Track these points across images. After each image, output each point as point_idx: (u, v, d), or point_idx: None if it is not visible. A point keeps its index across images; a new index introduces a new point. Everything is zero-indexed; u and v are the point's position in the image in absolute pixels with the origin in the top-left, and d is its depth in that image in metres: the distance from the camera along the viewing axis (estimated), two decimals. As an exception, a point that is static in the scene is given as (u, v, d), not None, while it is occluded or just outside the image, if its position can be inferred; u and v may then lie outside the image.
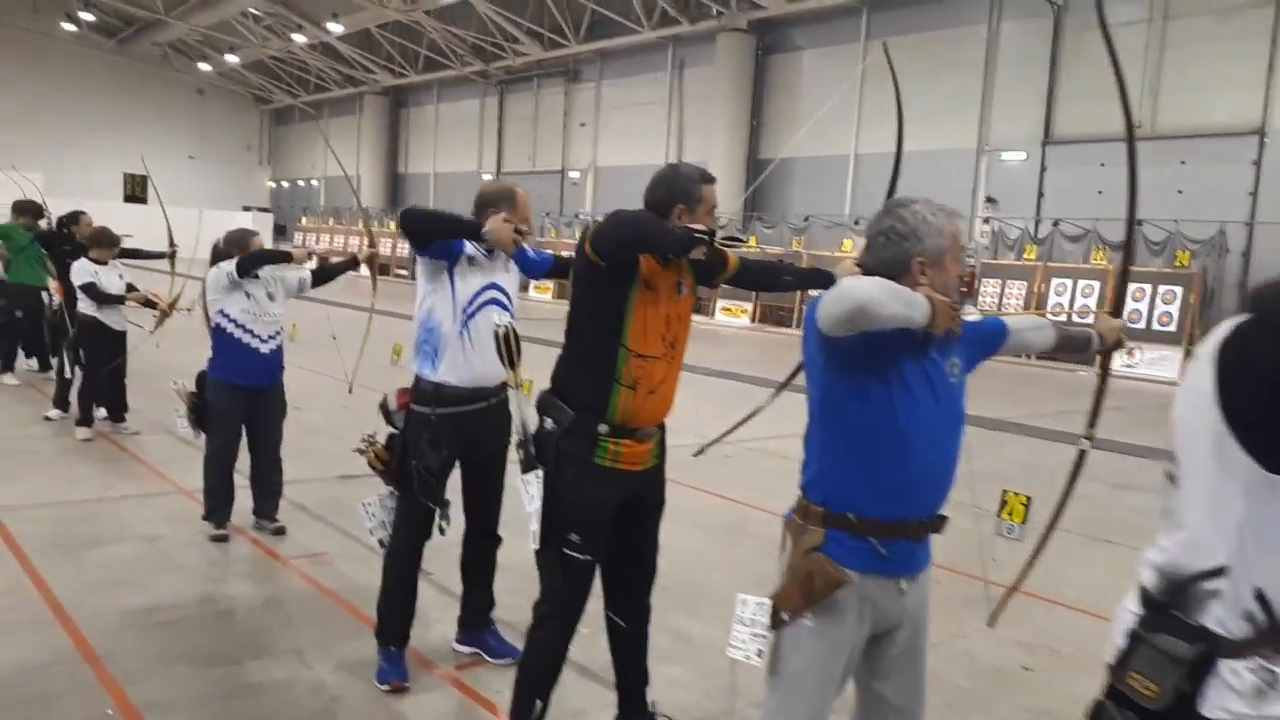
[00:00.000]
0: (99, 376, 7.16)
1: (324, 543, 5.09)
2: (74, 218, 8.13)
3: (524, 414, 2.99)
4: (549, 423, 2.86)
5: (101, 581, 4.31)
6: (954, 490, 2.30)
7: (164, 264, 7.96)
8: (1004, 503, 6.56)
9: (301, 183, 49.09)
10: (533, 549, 2.87)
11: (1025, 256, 19.90)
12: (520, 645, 3.06)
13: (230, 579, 4.51)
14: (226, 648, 3.74)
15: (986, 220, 21.08)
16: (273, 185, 50.99)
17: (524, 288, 31.95)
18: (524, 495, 2.84)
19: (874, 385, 2.12)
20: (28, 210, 9.12)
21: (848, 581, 2.10)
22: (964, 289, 20.49)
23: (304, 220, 44.08)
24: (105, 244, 7.16)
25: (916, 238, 2.19)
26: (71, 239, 8.06)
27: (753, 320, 24.07)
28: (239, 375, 4.98)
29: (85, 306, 7.07)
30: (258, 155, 51.03)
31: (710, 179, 2.86)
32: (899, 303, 1.98)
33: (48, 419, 7.66)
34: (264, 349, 5.03)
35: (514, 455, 3.07)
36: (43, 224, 9.18)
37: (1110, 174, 19.94)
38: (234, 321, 4.96)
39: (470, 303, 3.50)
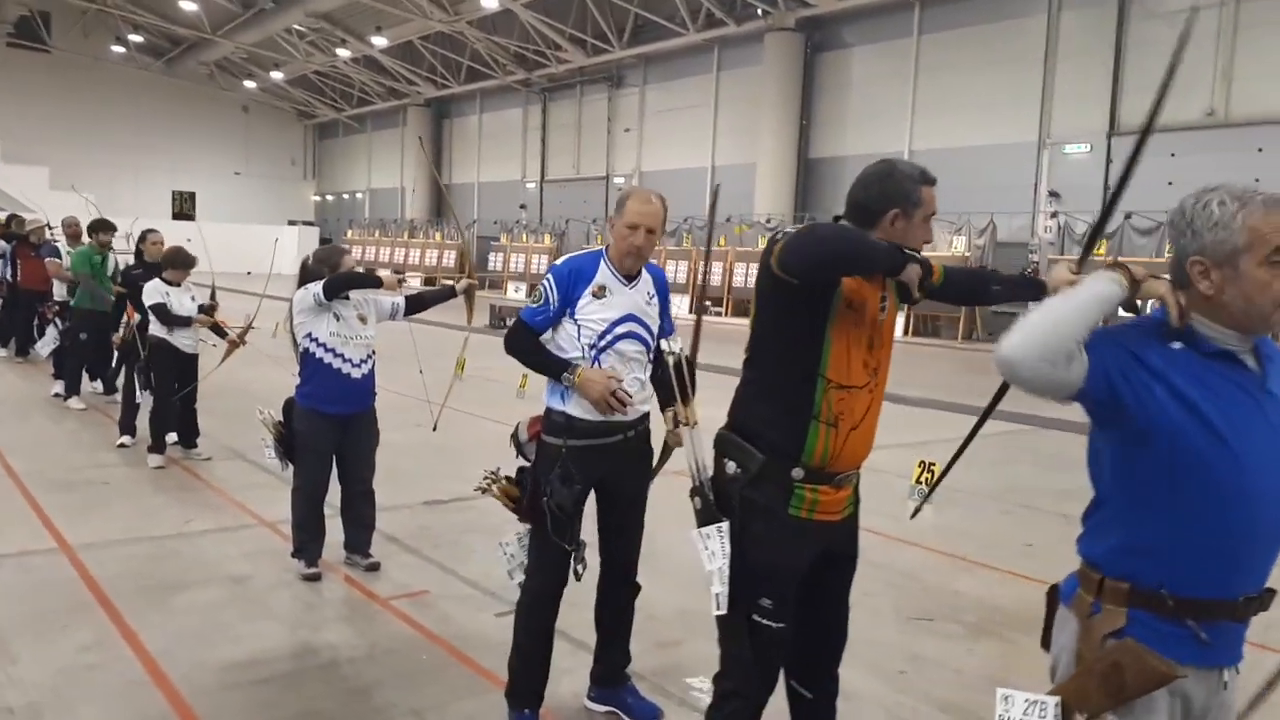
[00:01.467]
0: (170, 401, 6.91)
1: (422, 579, 4.74)
2: (142, 236, 7.91)
3: (699, 455, 2.58)
4: (731, 466, 2.46)
5: (192, 631, 3.99)
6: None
7: (241, 283, 7.72)
8: None
9: (346, 196, 49.35)
10: (714, 614, 2.47)
11: (1096, 252, 19.15)
12: (659, 702, 2.68)
13: (328, 624, 4.17)
14: (336, 709, 3.39)
15: (1054, 215, 20.38)
16: (318, 199, 51.32)
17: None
18: (702, 553, 2.44)
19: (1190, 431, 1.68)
20: (105, 228, 8.98)
21: (1177, 675, 1.66)
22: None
23: (350, 233, 44.25)
24: (180, 264, 6.90)
25: (1194, 232, 1.74)
26: (141, 258, 7.85)
27: (905, 333, 23.11)
28: (329, 402, 4.65)
29: (156, 328, 6.82)
30: (302, 170, 51.37)
31: (931, 179, 2.42)
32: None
33: (121, 446, 7.42)
34: (355, 374, 4.70)
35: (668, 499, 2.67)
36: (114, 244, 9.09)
37: (1182, 164, 19.15)
38: (322, 345, 4.63)
39: (602, 336, 3.17)
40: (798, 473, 2.40)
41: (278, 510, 5.69)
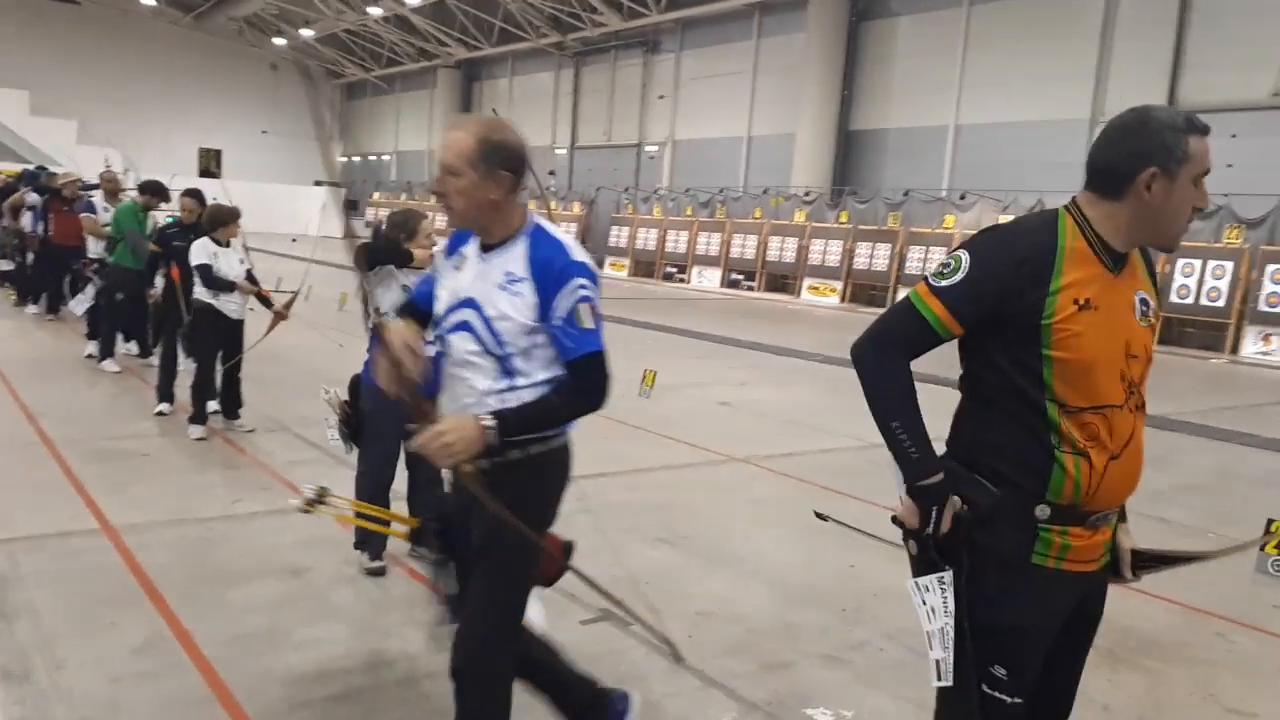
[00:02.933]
0: (212, 369, 6.53)
1: (493, 578, 4.35)
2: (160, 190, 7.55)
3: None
4: (955, 503, 2.02)
5: (251, 634, 3.61)
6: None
7: (290, 247, 7.32)
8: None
9: (373, 157, 48.88)
10: (934, 685, 2.03)
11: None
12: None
13: (400, 629, 3.79)
14: (423, 734, 3.01)
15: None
16: (344, 160, 50.87)
17: (598, 264, 31.22)
18: (919, 609, 2.00)
19: None
20: (157, 191, 8.59)
21: None
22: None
23: (376, 195, 43.83)
24: (225, 219, 6.48)
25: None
26: (179, 220, 7.45)
27: (842, 300, 22.96)
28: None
29: (201, 291, 6.43)
30: (329, 130, 50.85)
31: (1201, 128, 1.93)
32: None
33: (160, 414, 7.05)
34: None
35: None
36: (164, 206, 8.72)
37: (1244, 146, 18.41)
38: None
39: (439, 324, 2.52)
40: (1043, 511, 1.96)
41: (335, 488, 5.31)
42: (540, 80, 38.71)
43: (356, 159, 50.18)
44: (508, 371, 2.36)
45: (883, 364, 2.08)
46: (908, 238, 22.10)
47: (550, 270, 2.30)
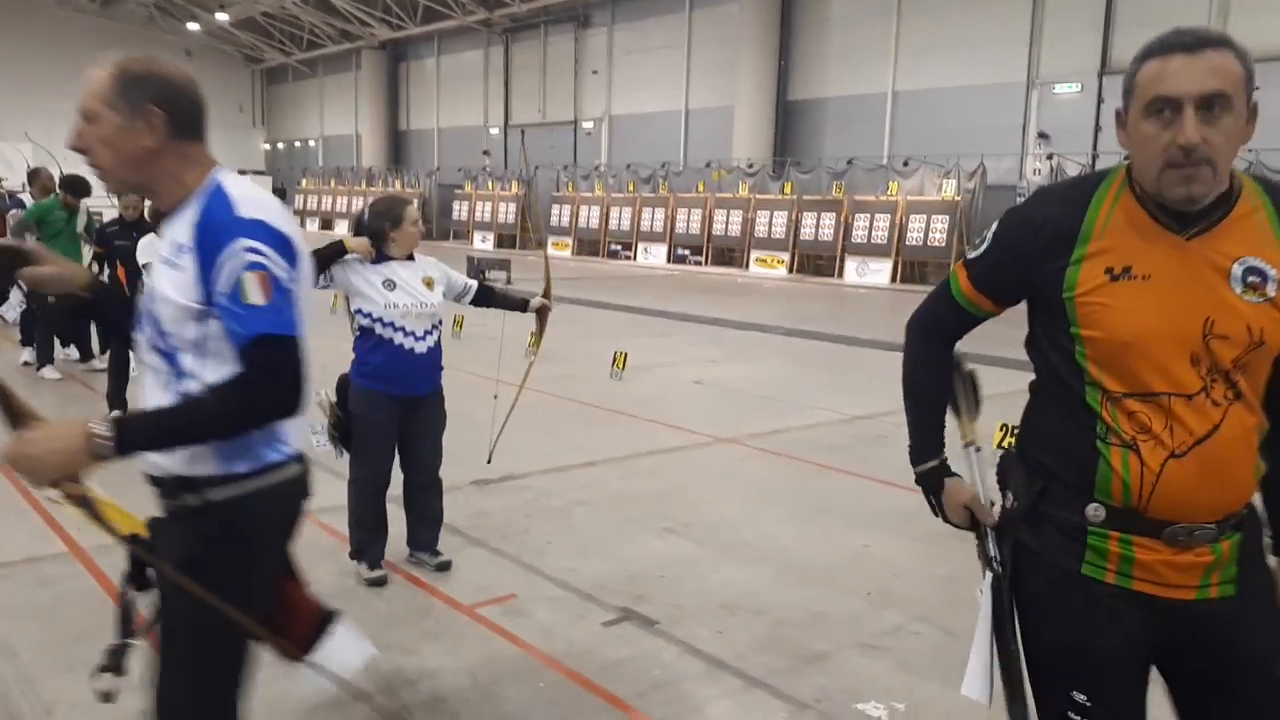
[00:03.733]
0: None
1: (502, 580, 4.13)
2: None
3: (979, 475, 1.94)
4: (1008, 498, 1.81)
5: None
6: None
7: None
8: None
9: (298, 143, 47.55)
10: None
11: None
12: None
13: (416, 644, 3.55)
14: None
15: (1049, 156, 19.95)
16: (268, 147, 49.43)
17: (539, 245, 30.76)
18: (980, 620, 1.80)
19: None
20: (75, 187, 8.03)
21: None
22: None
23: (304, 182, 42.66)
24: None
25: None
26: (121, 216, 7.00)
27: (790, 270, 22.98)
28: (390, 382, 3.97)
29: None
30: (251, 117, 49.36)
31: (1178, 45, 1.56)
32: None
33: (111, 423, 6.64)
34: (418, 348, 4.02)
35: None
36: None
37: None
38: (376, 319, 3.94)
39: None
40: (1095, 512, 1.67)
41: (320, 501, 5.02)
42: (469, 59, 37.95)
43: (281, 145, 48.77)
44: (177, 373, 1.83)
45: (910, 345, 1.99)
46: (853, 206, 22.15)
47: (210, 231, 1.74)
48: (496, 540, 4.55)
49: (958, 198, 20.43)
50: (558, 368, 9.32)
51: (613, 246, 28.18)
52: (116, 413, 6.71)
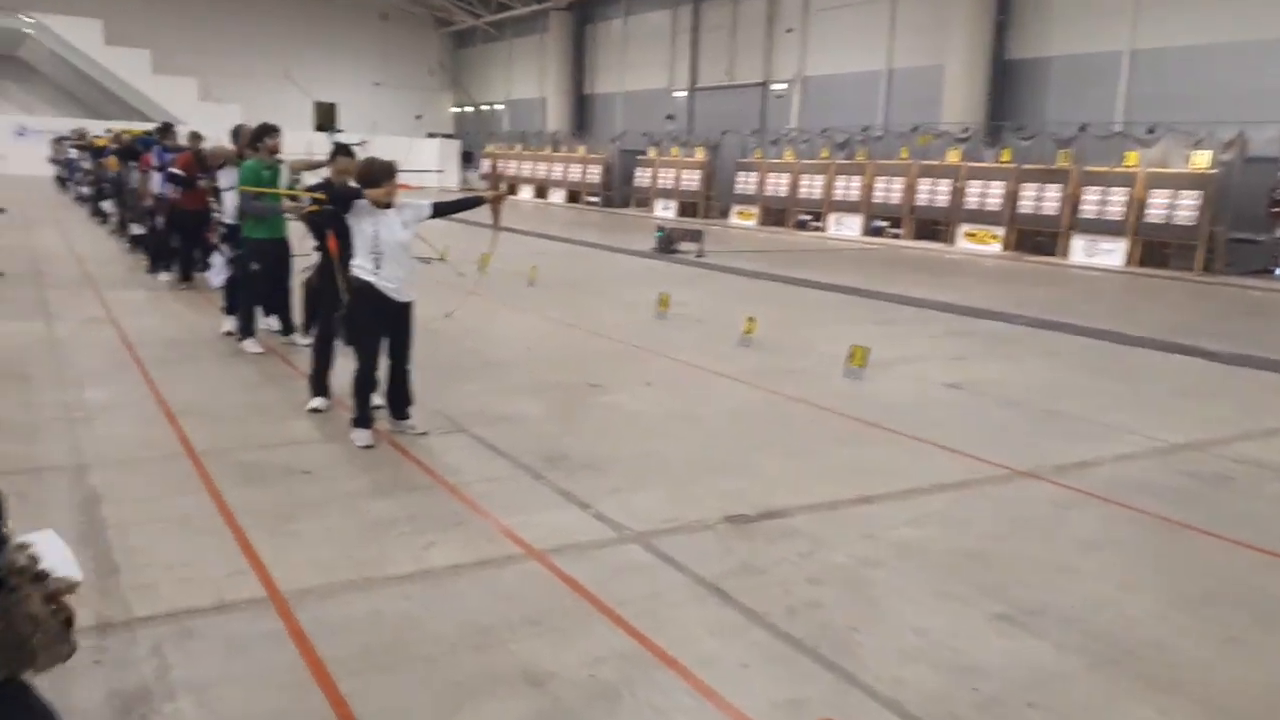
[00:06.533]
0: (375, 360, 5.43)
1: (807, 690, 3.07)
2: (332, 154, 6.33)
3: None
4: None
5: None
6: None
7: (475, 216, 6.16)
8: None
9: (485, 107, 47.97)
10: None
11: None
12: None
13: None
14: None
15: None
16: (456, 110, 50.17)
17: (723, 214, 29.61)
18: None
19: None
20: (270, 132, 7.47)
21: None
22: None
23: (489, 146, 42.96)
24: (380, 176, 5.29)
25: None
26: (329, 181, 6.32)
27: (1006, 247, 20.89)
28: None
29: (361, 266, 5.31)
30: (440, 80, 50.20)
31: None
32: None
33: (314, 410, 6.02)
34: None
35: None
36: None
37: None
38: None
39: None
40: None
41: (542, 525, 4.14)
42: (655, 20, 36.97)
43: (469, 109, 49.38)
44: None
45: None
46: (1081, 177, 19.83)
47: None
48: (783, 619, 3.49)
49: (1212, 170, 17.85)
50: (778, 359, 8.24)
51: (801, 217, 26.69)
52: (321, 400, 6.08)
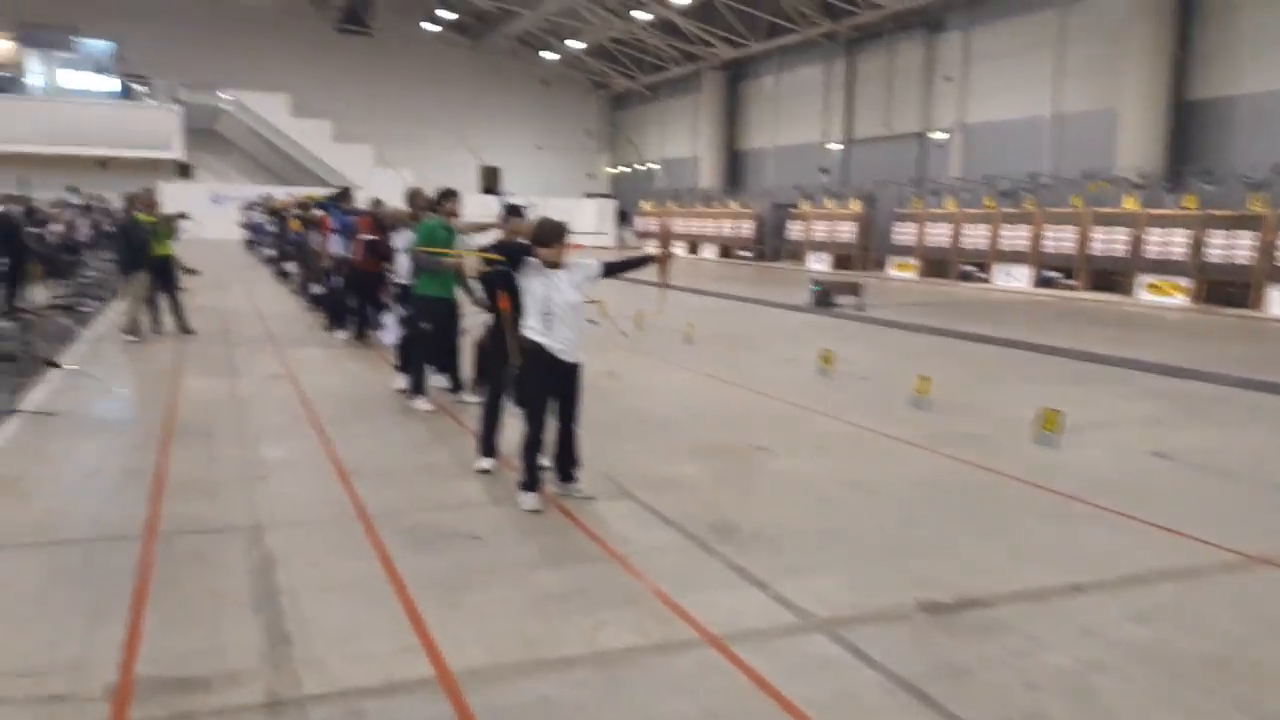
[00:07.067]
0: (543, 423, 5.32)
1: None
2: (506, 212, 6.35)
3: None
4: None
5: None
6: None
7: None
8: None
9: (640, 166, 48.85)
10: None
11: None
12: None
13: None
14: None
15: None
16: (612, 171, 51.31)
17: (879, 265, 28.87)
18: None
19: None
20: (450, 196, 7.67)
21: None
22: None
23: (645, 205, 43.64)
24: (552, 237, 5.24)
25: None
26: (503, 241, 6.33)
27: (1194, 300, 19.36)
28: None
29: (532, 328, 5.24)
30: (597, 141, 51.55)
31: None
32: None
33: (482, 471, 5.98)
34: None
35: None
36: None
37: None
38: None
39: None
40: None
41: (717, 606, 3.85)
42: (806, 75, 36.87)
43: (625, 169, 50.42)
44: None
45: None
46: (1278, 223, 18.24)
47: None
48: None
49: None
50: (956, 421, 7.72)
51: (964, 267, 25.69)
52: (489, 461, 6.02)
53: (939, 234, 26.87)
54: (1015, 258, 24.07)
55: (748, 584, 4.21)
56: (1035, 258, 23.40)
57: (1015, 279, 23.86)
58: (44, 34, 37.88)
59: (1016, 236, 24.15)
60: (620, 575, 4.33)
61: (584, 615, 3.86)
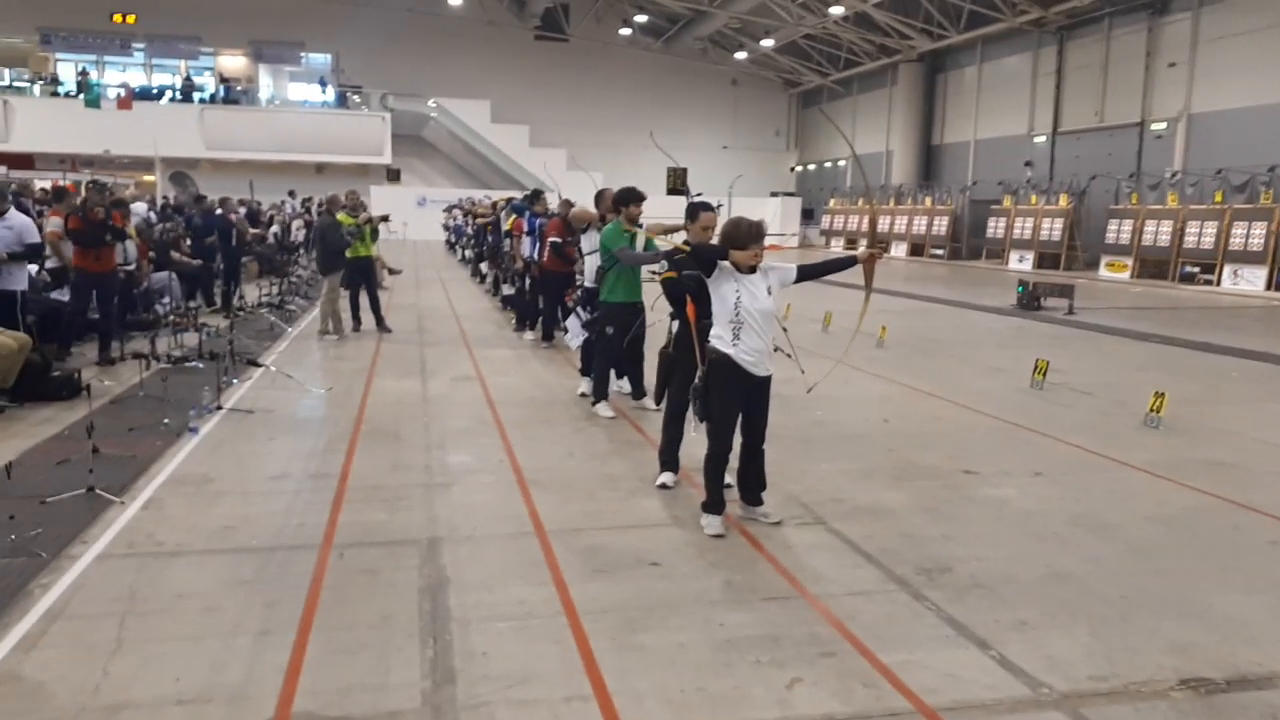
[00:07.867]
0: (729, 440, 4.92)
1: None
2: (692, 213, 6.00)
3: None
4: None
5: None
6: None
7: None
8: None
9: (828, 164, 47.63)
10: None
11: None
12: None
13: None
14: None
15: None
16: (798, 169, 50.30)
17: (1089, 265, 26.77)
18: None
19: None
20: (634, 199, 7.47)
21: None
22: None
23: (832, 202, 42.48)
24: (746, 239, 4.82)
25: None
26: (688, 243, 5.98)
27: (1269, 287, 16.78)
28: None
29: (718, 338, 4.86)
30: (785, 140, 50.68)
31: None
32: None
33: (662, 487, 5.65)
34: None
35: None
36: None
37: None
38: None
39: None
40: None
41: (932, 669, 3.33)
42: (1011, 64, 34.69)
43: (811, 167, 49.31)
44: None
45: None
46: None
47: None
48: None
49: None
50: (1200, 446, 6.75)
51: (1187, 268, 23.38)
52: (669, 475, 5.70)
53: (1159, 232, 24.61)
54: (1249, 258, 21.67)
55: (966, 641, 3.66)
56: (1274, 258, 20.96)
57: (1247, 281, 21.48)
58: (273, 50, 40.94)
59: (1252, 235, 21.74)
60: (815, 620, 3.86)
61: (775, 670, 3.43)
